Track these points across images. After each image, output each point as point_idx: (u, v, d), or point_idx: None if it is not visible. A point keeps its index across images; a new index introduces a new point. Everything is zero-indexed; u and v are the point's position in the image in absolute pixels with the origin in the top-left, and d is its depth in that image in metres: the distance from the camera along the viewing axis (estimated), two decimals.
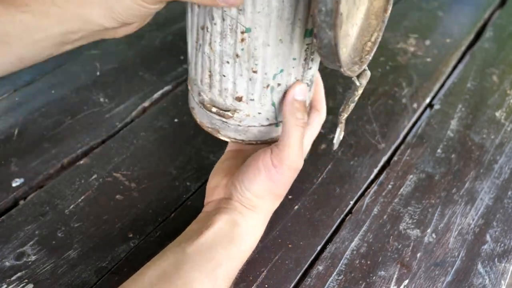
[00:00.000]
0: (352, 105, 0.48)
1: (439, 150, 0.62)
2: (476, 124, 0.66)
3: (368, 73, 0.45)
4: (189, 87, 0.50)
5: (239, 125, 0.48)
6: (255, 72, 0.43)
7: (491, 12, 0.89)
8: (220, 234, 0.44)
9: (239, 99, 0.46)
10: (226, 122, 0.48)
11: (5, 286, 0.46)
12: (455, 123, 0.66)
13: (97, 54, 0.75)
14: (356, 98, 0.47)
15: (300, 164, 0.46)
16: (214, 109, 0.47)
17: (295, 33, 0.42)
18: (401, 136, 0.65)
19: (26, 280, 0.47)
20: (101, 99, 0.66)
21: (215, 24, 0.42)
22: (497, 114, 0.68)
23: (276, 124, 0.48)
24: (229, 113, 0.47)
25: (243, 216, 0.46)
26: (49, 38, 0.46)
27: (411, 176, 0.59)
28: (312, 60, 0.46)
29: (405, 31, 0.83)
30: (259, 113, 0.47)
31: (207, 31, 0.43)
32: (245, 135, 0.49)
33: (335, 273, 0.49)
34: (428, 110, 0.69)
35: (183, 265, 0.42)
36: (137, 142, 0.61)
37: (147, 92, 0.67)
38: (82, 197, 0.55)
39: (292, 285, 0.48)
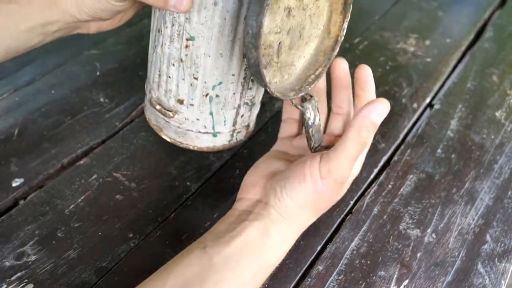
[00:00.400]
0: (311, 130, 0.49)
1: (439, 150, 0.62)
2: (476, 124, 0.66)
3: (314, 101, 0.49)
4: (145, 85, 0.54)
5: (179, 127, 0.51)
6: (195, 78, 0.47)
7: (491, 12, 0.90)
8: (249, 245, 0.42)
9: (181, 101, 0.49)
10: (168, 122, 0.51)
11: (5, 286, 0.46)
12: (455, 123, 0.66)
13: (97, 54, 0.75)
14: (311, 122, 0.48)
15: (346, 178, 0.44)
16: (158, 107, 0.51)
17: (234, 50, 0.45)
18: (401, 136, 0.65)
19: (26, 280, 0.47)
20: (101, 99, 0.66)
21: (166, 28, 0.46)
22: (497, 114, 0.68)
23: (213, 134, 0.52)
24: (170, 113, 0.50)
25: (275, 225, 0.43)
26: (32, 28, 0.48)
27: (411, 176, 0.59)
28: (252, 81, 0.49)
29: (405, 31, 0.83)
30: (197, 119, 0.50)
31: (161, 33, 0.47)
32: (183, 138, 0.52)
33: (335, 273, 0.49)
34: (428, 110, 0.69)
35: (208, 277, 0.39)
36: (137, 142, 0.61)
37: None
38: (82, 197, 0.55)
39: (292, 285, 0.48)
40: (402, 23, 0.85)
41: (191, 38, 0.45)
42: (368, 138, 0.43)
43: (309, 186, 0.43)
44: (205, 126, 0.51)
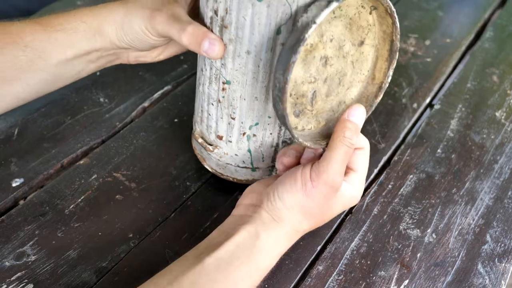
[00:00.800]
0: None
1: (439, 150, 0.62)
2: (476, 124, 0.66)
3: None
4: (193, 117, 0.57)
5: (219, 160, 0.53)
6: (233, 118, 0.49)
7: (491, 12, 0.90)
8: (240, 247, 0.42)
9: (220, 137, 0.51)
10: (209, 154, 0.54)
11: (5, 286, 0.46)
12: (455, 123, 0.66)
13: None
14: None
15: (337, 182, 0.44)
16: (200, 140, 0.54)
17: (269, 95, 0.46)
18: (401, 136, 0.65)
19: (26, 280, 0.47)
20: (101, 99, 0.66)
21: (205, 70, 0.48)
22: (497, 114, 0.68)
23: (252, 169, 0.53)
24: (210, 147, 0.53)
25: (266, 227, 0.44)
26: (78, 55, 0.51)
27: (411, 176, 0.59)
28: None
29: (405, 31, 0.83)
30: (236, 154, 0.52)
31: (202, 73, 0.49)
32: (224, 170, 0.54)
33: (335, 273, 0.49)
34: (428, 110, 0.69)
35: (200, 280, 0.40)
36: (137, 142, 0.61)
37: (147, 92, 0.67)
38: (82, 197, 0.55)
39: (292, 285, 0.48)
40: (402, 23, 0.85)
41: (227, 82, 0.47)
42: (352, 139, 0.44)
43: (298, 188, 0.44)
44: (243, 161, 0.52)
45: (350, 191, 0.47)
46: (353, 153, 0.47)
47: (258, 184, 0.49)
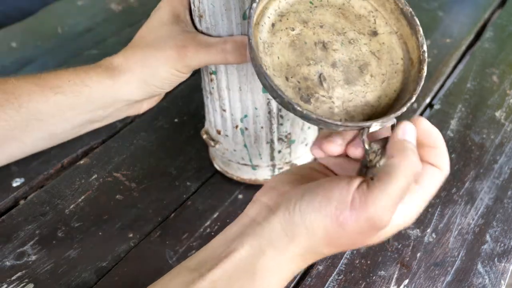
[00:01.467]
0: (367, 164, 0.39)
1: None
2: (476, 124, 0.66)
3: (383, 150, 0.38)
4: None
5: (222, 156, 0.55)
6: (224, 110, 0.50)
7: (491, 12, 0.90)
8: (239, 268, 0.35)
9: (219, 132, 0.52)
10: (215, 151, 0.55)
11: (5, 286, 0.47)
12: (455, 123, 0.66)
13: (97, 54, 0.75)
14: (371, 163, 0.38)
15: (384, 222, 0.34)
16: (205, 136, 0.55)
17: (252, 85, 0.47)
18: None
19: (26, 280, 0.47)
20: None
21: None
22: (497, 114, 0.68)
23: (252, 167, 0.54)
24: (212, 143, 0.54)
25: (274, 244, 0.35)
26: (79, 115, 0.49)
27: None
28: (281, 117, 0.50)
29: None
30: (234, 150, 0.53)
31: (201, 69, 0.50)
32: (228, 168, 0.55)
33: (335, 273, 0.49)
34: (428, 110, 0.69)
35: None
36: (137, 142, 0.61)
37: None
38: (82, 197, 0.55)
39: (292, 285, 0.48)
40: None
41: (213, 73, 0.48)
42: (419, 167, 0.34)
43: (331, 211, 0.34)
44: (242, 158, 0.53)
45: (401, 218, 0.36)
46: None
47: (283, 180, 0.39)
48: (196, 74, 0.53)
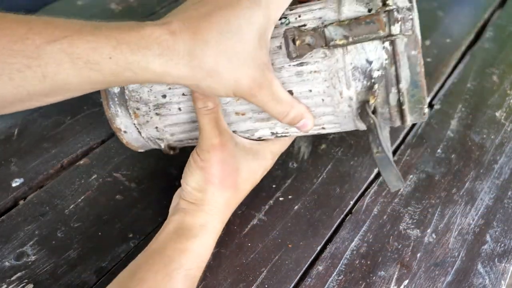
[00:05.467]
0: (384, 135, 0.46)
1: (439, 150, 0.62)
2: (476, 124, 0.66)
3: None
4: None
5: None
6: None
7: (491, 12, 0.89)
8: (169, 234, 0.45)
9: None
10: None
11: (5, 286, 0.46)
12: (455, 123, 0.66)
13: None
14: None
15: (216, 143, 0.46)
16: None
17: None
18: (401, 136, 0.65)
19: (26, 280, 0.47)
20: (101, 99, 0.66)
21: None
22: (497, 114, 0.68)
23: None
24: None
25: (188, 212, 0.46)
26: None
27: (411, 176, 0.59)
28: None
29: None
30: None
31: None
32: None
33: (335, 273, 0.49)
34: (428, 110, 0.69)
35: (137, 270, 0.42)
36: None
37: None
38: (82, 197, 0.55)
39: (292, 285, 0.48)
40: None
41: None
42: (206, 106, 0.45)
43: (194, 168, 0.46)
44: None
45: (249, 141, 0.49)
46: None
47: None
48: None
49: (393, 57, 0.42)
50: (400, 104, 0.44)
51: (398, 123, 0.46)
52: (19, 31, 0.37)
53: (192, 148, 0.58)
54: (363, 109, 0.43)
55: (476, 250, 0.52)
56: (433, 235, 0.53)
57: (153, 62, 0.37)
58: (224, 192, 0.47)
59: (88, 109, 0.65)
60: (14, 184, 0.56)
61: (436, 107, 0.69)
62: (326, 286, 0.48)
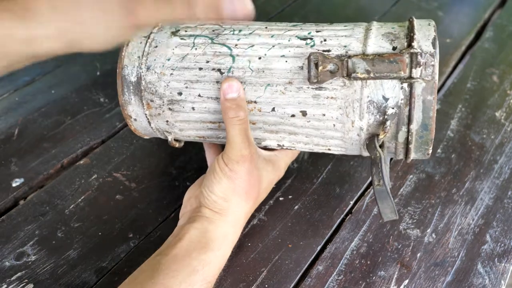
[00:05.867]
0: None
1: (439, 150, 0.62)
2: (476, 124, 0.66)
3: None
4: None
5: None
6: None
7: (491, 12, 0.89)
8: (193, 242, 0.44)
9: None
10: None
11: (5, 286, 0.46)
12: (455, 123, 0.66)
13: (97, 54, 0.75)
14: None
15: (246, 155, 0.46)
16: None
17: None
18: None
19: (26, 280, 0.47)
20: (101, 99, 0.66)
21: None
22: (497, 114, 0.68)
23: None
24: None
25: (212, 221, 0.46)
26: None
27: (411, 176, 0.59)
28: None
29: None
30: None
31: None
32: None
33: (335, 273, 0.49)
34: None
35: (159, 274, 0.42)
36: (137, 142, 0.61)
37: None
38: (82, 197, 0.55)
39: (292, 285, 0.48)
40: None
41: None
42: (238, 116, 0.45)
43: (222, 177, 0.46)
44: None
45: (268, 153, 0.49)
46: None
47: (191, 189, 0.51)
48: None
49: (409, 98, 0.43)
50: (407, 142, 0.45)
51: (401, 157, 0.47)
52: None
53: (195, 144, 0.58)
54: (371, 141, 0.44)
55: (476, 250, 0.52)
56: (433, 235, 0.53)
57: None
58: (247, 203, 0.48)
59: (88, 109, 0.65)
60: (14, 184, 0.56)
61: (436, 107, 0.69)
62: (326, 286, 0.48)
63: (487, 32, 0.84)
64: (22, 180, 0.56)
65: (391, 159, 0.56)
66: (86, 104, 0.65)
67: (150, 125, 0.50)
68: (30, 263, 0.49)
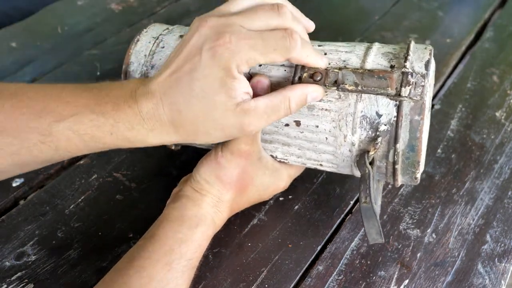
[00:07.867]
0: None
1: (439, 150, 0.62)
2: (476, 124, 0.66)
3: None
4: None
5: None
6: None
7: (491, 12, 0.90)
8: (170, 221, 0.45)
9: None
10: None
11: (5, 286, 0.47)
12: (455, 123, 0.66)
13: (97, 54, 0.75)
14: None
15: (243, 150, 0.47)
16: None
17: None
18: None
19: (26, 280, 0.47)
20: None
21: None
22: (497, 114, 0.68)
23: None
24: None
25: (190, 199, 0.47)
26: None
27: None
28: None
29: (405, 31, 0.83)
30: None
31: None
32: None
33: (335, 273, 0.49)
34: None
35: (136, 257, 0.43)
36: None
37: None
38: (82, 197, 0.55)
39: (292, 285, 0.48)
40: (402, 23, 0.85)
41: None
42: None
43: (211, 161, 0.47)
44: None
45: (274, 160, 0.50)
46: None
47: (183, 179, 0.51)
48: None
49: (397, 117, 0.43)
50: (394, 162, 0.45)
51: (391, 179, 0.47)
52: (35, 109, 0.42)
53: (194, 149, 0.58)
54: (361, 157, 0.44)
55: (476, 250, 0.52)
56: (433, 235, 0.53)
57: (147, 135, 0.43)
58: (229, 192, 0.48)
59: None
60: (14, 184, 0.56)
61: (436, 107, 0.69)
62: (326, 286, 0.48)
63: (487, 32, 0.84)
64: (22, 180, 0.56)
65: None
66: None
67: None
68: (30, 263, 0.49)
